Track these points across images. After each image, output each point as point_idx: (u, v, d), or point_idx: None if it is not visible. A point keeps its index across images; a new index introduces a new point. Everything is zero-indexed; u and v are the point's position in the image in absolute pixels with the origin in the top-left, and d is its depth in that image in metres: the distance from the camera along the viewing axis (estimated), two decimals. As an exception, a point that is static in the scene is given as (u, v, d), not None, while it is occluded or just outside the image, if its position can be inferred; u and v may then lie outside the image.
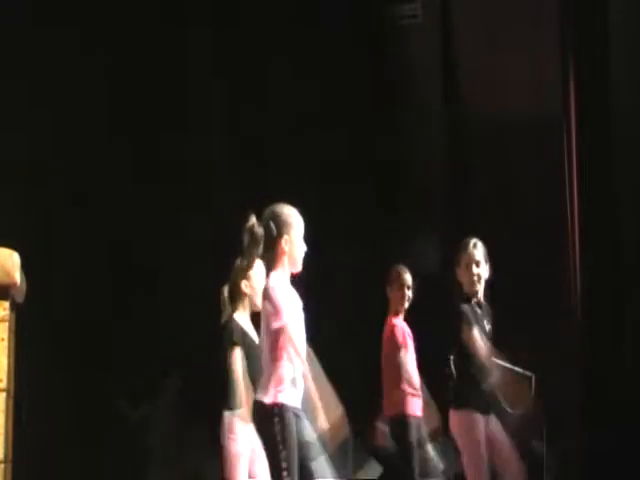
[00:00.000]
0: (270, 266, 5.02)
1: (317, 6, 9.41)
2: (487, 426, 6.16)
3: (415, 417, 7.11)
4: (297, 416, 4.86)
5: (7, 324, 3.78)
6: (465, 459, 6.17)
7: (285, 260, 4.99)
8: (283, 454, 4.77)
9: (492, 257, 6.34)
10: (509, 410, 6.57)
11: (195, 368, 9.26)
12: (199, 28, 9.60)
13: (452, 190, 9.30)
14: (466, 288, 6.27)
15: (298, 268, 5.05)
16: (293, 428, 4.82)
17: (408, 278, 7.30)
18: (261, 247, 5.01)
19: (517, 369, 6.82)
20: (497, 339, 6.52)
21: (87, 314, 8.80)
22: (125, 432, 9.30)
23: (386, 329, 7.29)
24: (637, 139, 8.69)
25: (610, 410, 8.23)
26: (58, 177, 8.81)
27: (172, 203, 9.37)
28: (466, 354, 6.17)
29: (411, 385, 7.12)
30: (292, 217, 5.03)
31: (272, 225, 4.99)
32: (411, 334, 7.25)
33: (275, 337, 4.92)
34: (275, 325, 4.88)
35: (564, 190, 8.68)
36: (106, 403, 9.01)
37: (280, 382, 4.87)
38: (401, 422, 7.07)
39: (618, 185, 8.74)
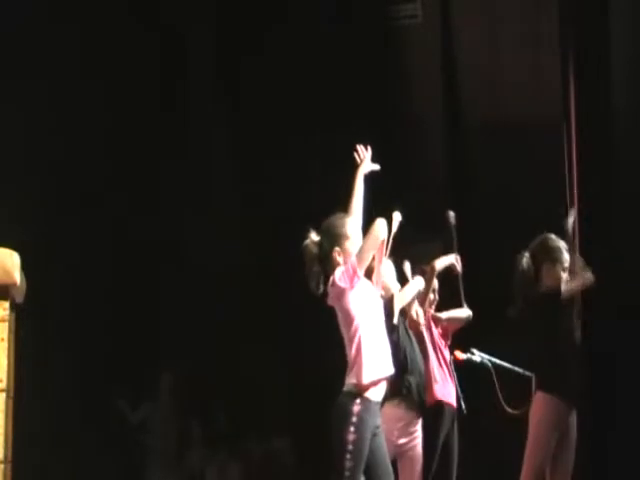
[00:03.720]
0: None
1: (317, 6, 9.42)
2: (568, 418, 6.05)
3: None
4: (377, 429, 4.88)
5: (7, 324, 3.78)
6: (529, 446, 5.96)
7: None
8: (349, 463, 4.77)
9: (491, 257, 6.35)
10: (508, 410, 6.56)
11: (195, 368, 9.28)
12: (200, 30, 9.63)
13: (452, 190, 9.30)
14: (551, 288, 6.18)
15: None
16: (367, 437, 4.82)
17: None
18: (316, 263, 5.04)
19: (517, 369, 6.82)
20: (497, 340, 6.53)
21: (87, 314, 8.80)
22: (125, 432, 9.30)
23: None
24: (637, 139, 8.70)
25: (610, 410, 8.24)
26: (58, 177, 8.82)
27: (171, 199, 9.40)
28: (557, 338, 6.06)
29: None
30: (342, 226, 5.06)
31: (324, 239, 5.06)
32: None
33: (347, 322, 4.95)
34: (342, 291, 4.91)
35: (564, 190, 8.68)
36: (106, 403, 9.01)
37: (360, 371, 4.88)
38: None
39: (618, 185, 8.75)
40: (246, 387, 9.31)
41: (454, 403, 6.57)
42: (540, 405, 5.98)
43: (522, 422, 6.17)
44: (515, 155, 9.01)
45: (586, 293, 6.64)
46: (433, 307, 6.86)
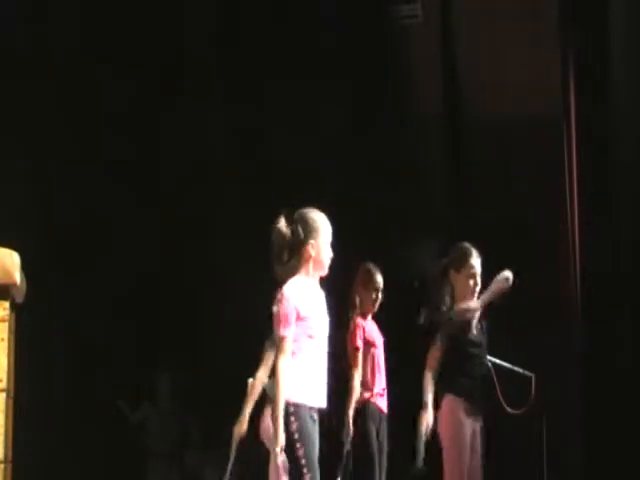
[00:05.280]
0: (294, 271, 5.01)
1: (317, 6, 9.42)
2: (474, 422, 6.14)
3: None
4: (312, 418, 4.90)
5: (7, 324, 3.78)
6: (446, 451, 6.09)
7: (310, 265, 5.01)
8: (301, 451, 4.79)
9: (492, 257, 6.34)
10: (508, 410, 6.57)
11: (195, 368, 9.29)
12: (198, 30, 9.64)
13: (452, 190, 9.30)
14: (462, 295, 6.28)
15: (324, 272, 5.07)
16: (309, 425, 4.85)
17: (381, 280, 7.24)
18: (286, 250, 4.99)
19: (517, 369, 6.82)
20: (497, 339, 6.53)
21: (87, 314, 8.81)
22: (125, 432, 9.31)
23: (352, 329, 7.14)
24: (637, 139, 8.70)
25: (610, 410, 8.24)
26: (58, 177, 8.82)
27: (171, 199, 9.40)
28: (459, 345, 6.16)
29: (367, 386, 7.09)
30: (319, 222, 5.03)
31: (300, 229, 5.00)
32: (380, 335, 7.21)
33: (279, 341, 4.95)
34: (277, 333, 4.92)
35: (564, 190, 8.69)
36: (106, 403, 9.01)
37: (291, 381, 4.88)
38: (361, 412, 7.04)
39: (618, 185, 8.75)
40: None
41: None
42: (448, 406, 6.10)
43: (522, 422, 6.18)
44: (515, 155, 9.01)
45: (585, 292, 6.68)
46: (376, 305, 7.06)
